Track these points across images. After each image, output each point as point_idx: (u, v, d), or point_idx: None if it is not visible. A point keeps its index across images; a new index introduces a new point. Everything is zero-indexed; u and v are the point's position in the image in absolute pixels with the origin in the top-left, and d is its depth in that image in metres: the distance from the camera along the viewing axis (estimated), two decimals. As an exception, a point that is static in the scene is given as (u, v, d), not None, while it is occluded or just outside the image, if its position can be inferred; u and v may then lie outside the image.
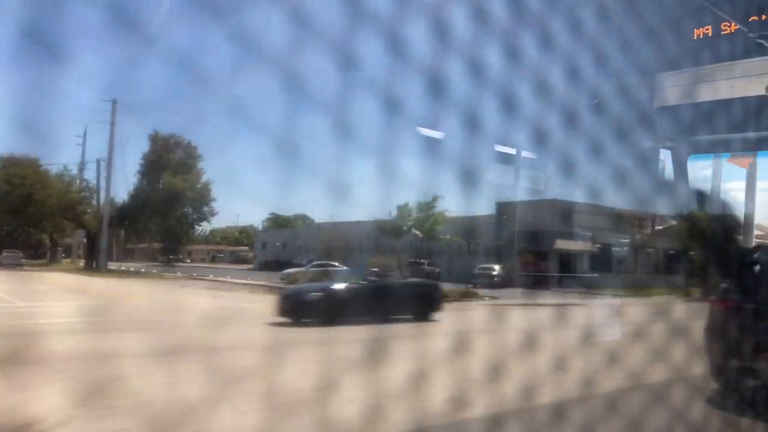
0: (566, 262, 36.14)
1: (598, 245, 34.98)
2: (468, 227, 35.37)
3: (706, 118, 6.62)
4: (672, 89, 6.32)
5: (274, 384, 6.48)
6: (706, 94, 6.67)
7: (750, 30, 5.24)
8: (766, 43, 5.11)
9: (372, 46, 3.09)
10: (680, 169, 7.57)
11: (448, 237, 35.62)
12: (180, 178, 44.05)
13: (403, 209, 34.60)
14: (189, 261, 56.46)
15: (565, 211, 32.44)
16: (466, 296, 26.32)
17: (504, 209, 33.24)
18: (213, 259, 63.13)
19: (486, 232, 35.78)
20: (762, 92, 5.98)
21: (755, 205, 10.99)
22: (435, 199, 32.76)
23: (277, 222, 54.48)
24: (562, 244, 34.94)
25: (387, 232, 35.02)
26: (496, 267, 34.64)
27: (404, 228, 35.30)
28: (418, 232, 35.45)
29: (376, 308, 12.24)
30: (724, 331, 6.54)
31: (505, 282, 32.15)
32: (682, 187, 7.68)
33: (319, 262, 34.06)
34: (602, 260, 35.23)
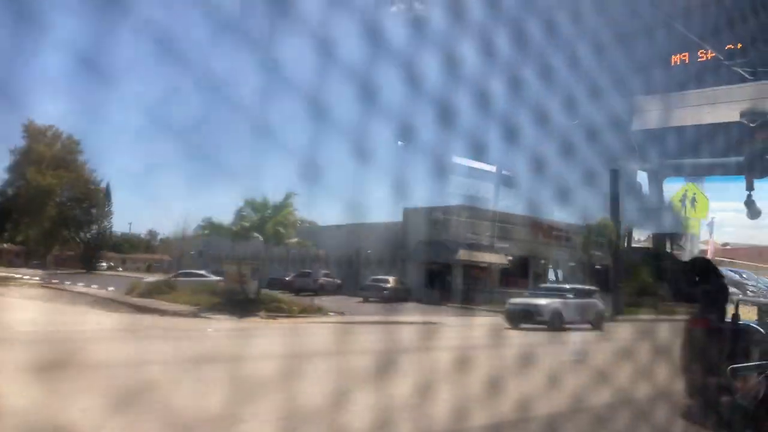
0: (473, 275, 33.29)
1: (511, 258, 33.30)
2: (361, 235, 31.79)
3: (682, 142, 6.80)
4: (648, 113, 6.50)
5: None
6: (680, 119, 6.87)
7: (726, 58, 5.43)
8: (741, 71, 5.30)
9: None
10: (656, 190, 7.77)
11: (295, 241, 29.97)
12: (51, 174, 38.65)
13: (244, 208, 28.57)
14: (120, 269, 50.15)
15: (478, 220, 30.98)
16: (306, 312, 24.26)
17: (411, 216, 30.97)
18: (149, 269, 58.63)
19: (387, 240, 32.48)
20: (735, 119, 6.18)
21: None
22: (289, 197, 27.92)
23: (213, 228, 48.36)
24: (467, 256, 32.40)
25: (222, 235, 29.57)
26: (390, 279, 31.96)
27: (238, 231, 28.74)
28: (258, 236, 28.72)
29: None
30: (700, 350, 6.69)
31: (398, 295, 30.12)
32: (637, 204, 7.83)
33: (184, 271, 30.84)
34: (519, 274, 33.65)
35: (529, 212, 23.57)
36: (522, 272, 33.39)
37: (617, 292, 24.98)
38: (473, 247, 31.97)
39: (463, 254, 32.01)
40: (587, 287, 24.31)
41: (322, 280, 32.20)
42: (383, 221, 30.86)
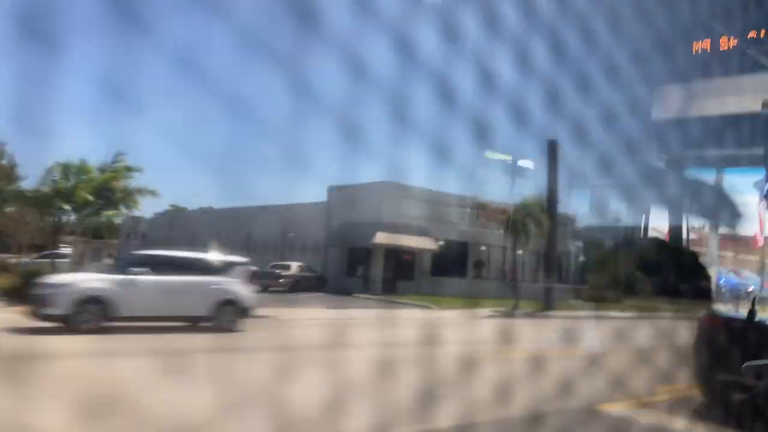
0: (396, 261, 28.65)
1: (443, 243, 28.81)
2: (284, 217, 29.31)
3: (701, 134, 6.68)
4: (669, 103, 6.38)
5: None
6: (701, 109, 6.75)
7: (748, 47, 5.29)
8: (763, 61, 5.16)
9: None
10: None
11: (113, 213, 23.98)
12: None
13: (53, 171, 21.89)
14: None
15: (406, 199, 26.88)
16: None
17: (336, 196, 28.68)
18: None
19: (313, 222, 29.69)
20: (758, 108, 6.04)
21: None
22: (119, 156, 21.94)
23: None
24: (385, 239, 27.27)
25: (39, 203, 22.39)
26: (293, 265, 27.42)
27: (36, 197, 21.98)
28: (65, 205, 21.75)
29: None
30: (711, 346, 6.60)
31: (305, 284, 26.09)
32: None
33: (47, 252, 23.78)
34: (452, 262, 29.10)
35: (470, 191, 21.81)
36: (459, 259, 29.33)
37: (551, 282, 23.61)
38: (398, 229, 26.98)
39: (383, 238, 27.05)
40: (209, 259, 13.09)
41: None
42: (310, 201, 28.53)
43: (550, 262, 24.73)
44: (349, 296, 23.72)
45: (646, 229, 30.34)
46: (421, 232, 27.78)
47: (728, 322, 6.80)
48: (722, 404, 6.49)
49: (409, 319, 15.31)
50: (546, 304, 22.66)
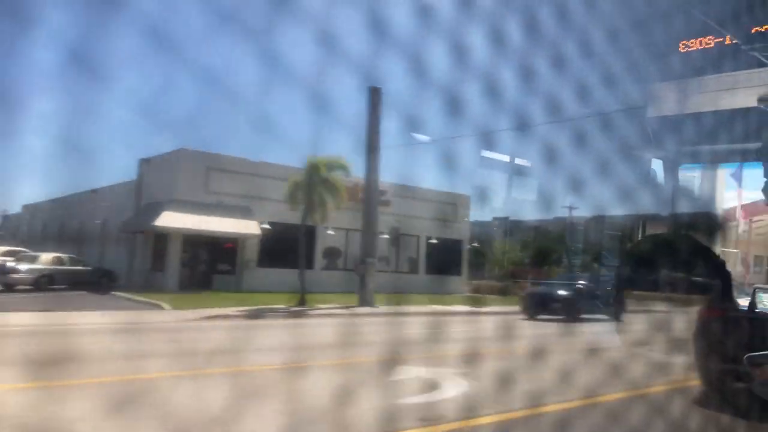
0: (211, 250, 23.12)
1: (270, 227, 22.61)
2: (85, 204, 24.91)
3: (697, 129, 6.74)
4: (665, 99, 6.45)
5: None
6: (695, 105, 6.81)
7: (744, 42, 5.37)
8: (759, 56, 5.24)
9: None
10: (671, 176, 7.73)
11: None
12: None
13: None
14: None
15: (208, 170, 21.83)
16: None
17: (145, 170, 23.57)
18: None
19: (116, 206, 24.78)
20: (753, 104, 6.12)
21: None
22: None
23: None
24: (182, 222, 21.08)
25: None
26: (44, 256, 20.78)
27: None
28: None
29: None
30: (712, 337, 6.71)
31: (69, 279, 19.94)
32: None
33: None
34: (291, 250, 19.92)
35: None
36: (302, 247, 19.18)
37: (367, 269, 18.84)
38: (208, 210, 21.24)
39: (179, 220, 20.93)
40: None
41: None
42: (117, 182, 23.73)
43: (369, 244, 19.65)
44: (110, 294, 18.52)
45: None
46: (244, 214, 22.22)
47: (728, 313, 6.89)
48: (721, 394, 6.61)
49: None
50: (362, 298, 18.15)
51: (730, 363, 6.21)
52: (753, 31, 5.26)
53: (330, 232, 24.37)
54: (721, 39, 5.67)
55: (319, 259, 25.24)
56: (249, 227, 22.63)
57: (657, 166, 7.91)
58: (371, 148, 18.37)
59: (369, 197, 19.87)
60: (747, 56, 5.46)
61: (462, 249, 30.79)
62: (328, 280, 22.77)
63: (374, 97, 16.81)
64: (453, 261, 29.20)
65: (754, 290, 6.97)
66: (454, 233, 29.32)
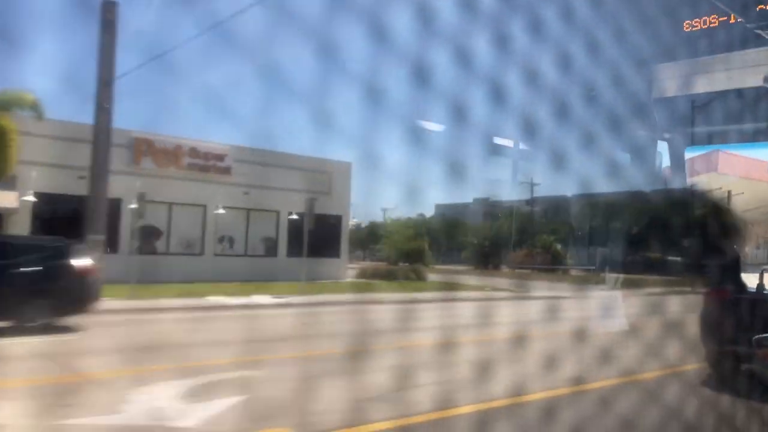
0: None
1: (34, 198, 18.11)
2: None
3: (703, 110, 6.66)
4: (669, 80, 6.36)
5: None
6: (703, 85, 6.73)
7: (748, 21, 5.27)
8: (764, 34, 5.13)
9: None
10: (676, 159, 7.64)
11: None
12: None
13: None
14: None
15: None
16: None
17: None
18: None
19: None
20: (760, 83, 6.02)
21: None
22: None
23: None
24: None
25: None
26: None
27: None
28: None
29: None
30: (718, 320, 6.67)
31: None
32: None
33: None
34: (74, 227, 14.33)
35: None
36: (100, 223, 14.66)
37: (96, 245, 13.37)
38: None
39: None
40: None
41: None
42: None
43: (96, 216, 14.52)
44: None
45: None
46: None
47: (735, 295, 6.84)
48: (724, 374, 6.59)
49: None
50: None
51: (735, 344, 6.18)
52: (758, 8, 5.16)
53: (133, 206, 17.37)
54: (725, 18, 5.57)
55: (127, 240, 19.04)
56: (6, 199, 17.67)
57: (663, 148, 7.80)
58: (103, 81, 14.05)
59: (98, 152, 14.53)
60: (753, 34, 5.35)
61: (342, 226, 26.53)
62: (144, 266, 17.01)
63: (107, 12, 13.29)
64: (328, 241, 24.24)
65: (762, 272, 6.91)
66: (331, 208, 24.66)
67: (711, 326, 6.82)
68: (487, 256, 37.07)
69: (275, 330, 11.14)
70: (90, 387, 6.17)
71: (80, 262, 10.93)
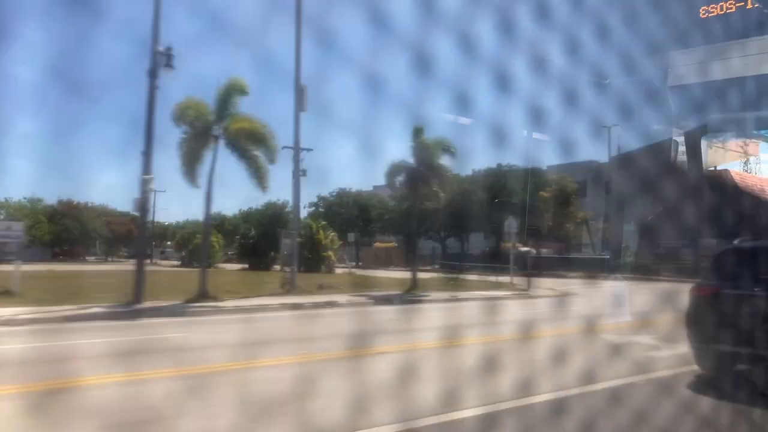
0: None
1: None
2: None
3: (719, 97, 6.55)
4: (685, 68, 6.27)
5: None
6: (719, 72, 6.63)
7: (764, 6, 5.16)
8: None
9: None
10: (692, 148, 7.53)
11: None
12: None
13: None
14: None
15: None
16: None
17: None
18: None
19: None
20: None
21: None
22: None
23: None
24: None
25: None
26: None
27: None
28: None
29: None
30: (703, 317, 6.48)
31: None
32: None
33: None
34: None
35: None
36: None
37: None
38: None
39: None
40: None
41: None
42: None
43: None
44: None
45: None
46: None
47: (720, 291, 6.59)
48: (717, 374, 6.45)
49: None
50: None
51: (726, 343, 5.98)
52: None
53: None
54: (742, 3, 5.47)
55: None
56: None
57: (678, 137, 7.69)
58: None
59: None
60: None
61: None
62: None
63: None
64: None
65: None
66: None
67: (695, 324, 6.56)
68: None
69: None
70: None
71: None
